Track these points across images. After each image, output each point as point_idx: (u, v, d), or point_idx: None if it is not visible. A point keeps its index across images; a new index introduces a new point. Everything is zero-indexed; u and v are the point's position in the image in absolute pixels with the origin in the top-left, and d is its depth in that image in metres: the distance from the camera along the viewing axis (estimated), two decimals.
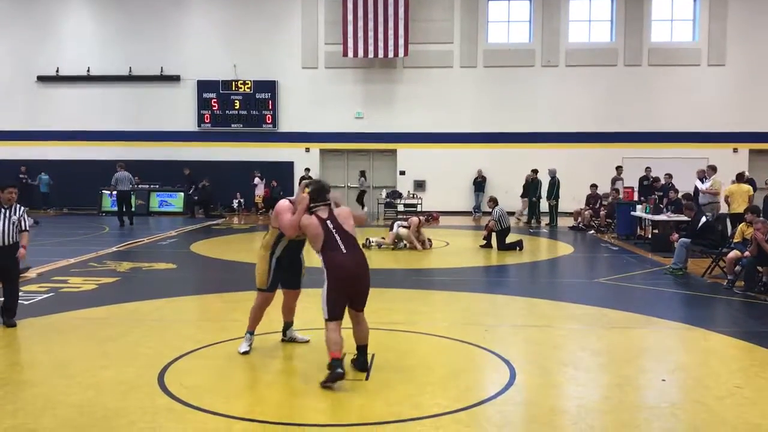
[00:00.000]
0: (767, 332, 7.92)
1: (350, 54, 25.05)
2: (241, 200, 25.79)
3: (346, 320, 5.94)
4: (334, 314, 5.80)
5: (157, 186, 25.51)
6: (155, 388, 5.72)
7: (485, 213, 22.41)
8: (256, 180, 25.16)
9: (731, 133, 24.95)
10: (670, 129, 24.99)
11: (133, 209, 21.46)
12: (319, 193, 6.09)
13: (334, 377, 5.58)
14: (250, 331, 6.79)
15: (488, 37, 25.85)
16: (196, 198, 24.54)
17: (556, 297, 9.89)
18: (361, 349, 6.09)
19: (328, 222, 5.96)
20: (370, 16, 24.83)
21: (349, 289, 5.84)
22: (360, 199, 24.46)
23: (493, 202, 15.96)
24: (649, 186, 20.56)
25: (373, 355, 6.54)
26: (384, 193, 24.58)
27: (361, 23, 24.84)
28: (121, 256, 14.01)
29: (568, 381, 6.09)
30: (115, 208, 22.69)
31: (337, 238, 5.89)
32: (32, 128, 26.54)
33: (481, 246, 15.62)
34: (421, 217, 16.07)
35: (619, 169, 22.35)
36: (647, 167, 21.70)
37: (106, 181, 23.99)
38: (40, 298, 9.47)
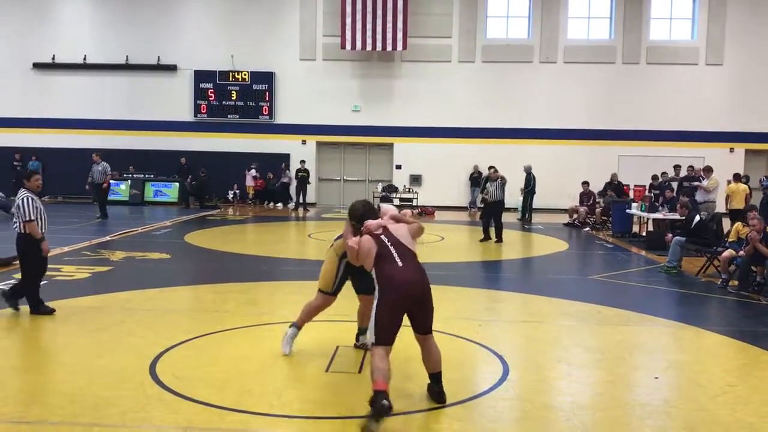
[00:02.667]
0: (760, 331, 7.93)
1: (348, 46, 24.96)
2: (237, 191, 25.74)
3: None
4: (384, 338, 4.94)
5: (152, 176, 25.41)
6: (147, 377, 5.70)
7: (480, 209, 22.45)
8: (246, 171, 25.22)
9: (728, 133, 24.98)
10: (667, 128, 24.99)
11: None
12: (358, 218, 5.61)
13: (378, 412, 4.61)
14: (297, 326, 6.40)
15: (487, 32, 25.79)
16: (193, 184, 24.42)
17: (551, 293, 9.87)
18: (435, 377, 5.29)
19: (383, 237, 5.32)
20: (369, 8, 24.75)
21: (406, 307, 5.07)
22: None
23: (502, 179, 16.30)
24: (691, 188, 16.80)
25: (366, 350, 6.52)
26: (380, 187, 24.55)
27: (359, 15, 24.75)
28: (115, 245, 13.95)
29: (561, 377, 6.09)
30: (111, 197, 22.65)
31: (392, 250, 5.20)
32: (27, 115, 26.40)
33: (481, 240, 15.73)
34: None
35: (675, 168, 19.27)
36: (690, 166, 18.69)
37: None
38: None
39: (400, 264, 5.12)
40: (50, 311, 7.76)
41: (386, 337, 4.96)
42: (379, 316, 4.96)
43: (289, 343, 6.36)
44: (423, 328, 5.23)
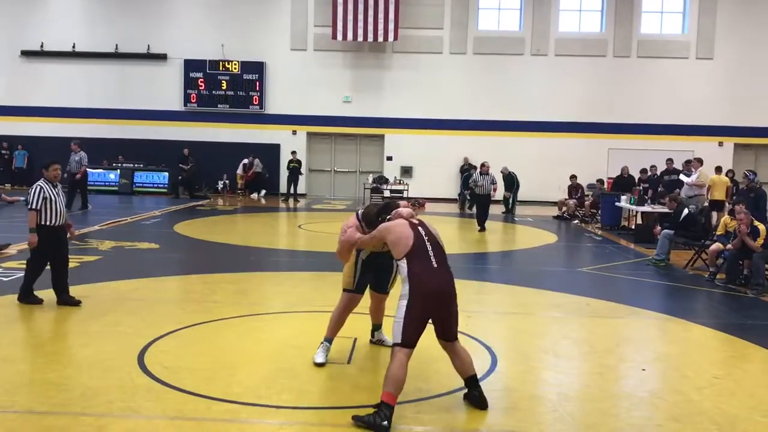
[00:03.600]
0: (747, 324, 8.00)
1: (339, 37, 24.87)
2: (227, 181, 25.66)
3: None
4: (408, 339, 4.71)
5: (142, 165, 25.29)
6: (135, 367, 5.68)
7: (467, 200, 22.50)
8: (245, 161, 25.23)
9: (717, 127, 25.08)
10: (656, 121, 25.07)
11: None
12: (373, 220, 5.40)
13: (375, 427, 4.48)
14: (328, 339, 5.97)
15: (479, 23, 25.76)
16: (180, 177, 24.31)
17: (539, 285, 9.91)
18: (471, 381, 5.03)
19: (420, 228, 5.03)
20: None
21: (434, 312, 4.83)
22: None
23: (487, 175, 16.96)
24: (673, 182, 17.34)
25: (355, 339, 6.54)
26: (370, 178, 24.53)
27: (351, 6, 24.64)
28: (104, 234, 13.88)
29: (549, 369, 6.11)
30: (100, 186, 22.57)
31: (429, 247, 4.92)
32: (15, 103, 26.14)
33: (479, 231, 16.26)
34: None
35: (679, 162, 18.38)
36: (669, 159, 18.93)
37: (89, 158, 23.93)
38: (20, 274, 9.33)
39: (435, 265, 4.86)
40: (38, 301, 7.74)
41: (413, 338, 4.73)
42: (409, 317, 4.70)
43: (322, 354, 5.93)
44: (448, 334, 4.97)
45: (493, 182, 17.04)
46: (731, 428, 4.83)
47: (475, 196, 17.44)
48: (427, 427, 4.71)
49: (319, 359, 5.88)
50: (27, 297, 7.74)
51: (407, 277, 4.81)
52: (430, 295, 4.75)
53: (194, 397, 5.06)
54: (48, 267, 7.85)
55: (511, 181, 21.51)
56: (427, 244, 4.94)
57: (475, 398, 4.99)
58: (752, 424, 4.92)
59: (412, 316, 4.71)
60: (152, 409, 4.85)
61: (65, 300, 7.77)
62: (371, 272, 5.98)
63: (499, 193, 20.21)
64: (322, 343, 6.00)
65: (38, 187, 7.72)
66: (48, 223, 7.72)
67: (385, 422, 4.47)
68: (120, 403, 4.92)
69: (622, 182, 19.81)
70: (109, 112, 26.04)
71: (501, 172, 21.46)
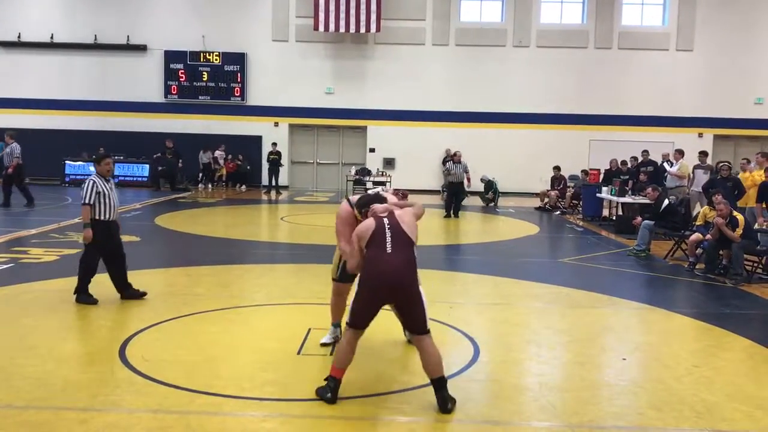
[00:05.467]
0: (726, 313, 8.09)
1: (321, 28, 24.75)
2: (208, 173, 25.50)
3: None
4: (356, 321, 4.91)
5: (122, 157, 25.04)
6: (116, 360, 5.66)
7: (442, 189, 22.59)
8: (216, 153, 25.07)
9: (697, 118, 25.28)
10: (637, 113, 25.22)
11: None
12: (364, 203, 5.46)
13: (321, 397, 4.91)
14: (335, 323, 6.19)
15: (461, 14, 25.74)
16: (160, 168, 24.10)
17: (521, 276, 9.96)
18: (436, 383, 4.83)
19: (385, 218, 5.10)
20: None
21: (387, 298, 4.91)
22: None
23: (459, 164, 17.68)
24: (655, 172, 17.13)
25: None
26: (353, 170, 24.50)
27: None
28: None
29: (531, 359, 6.16)
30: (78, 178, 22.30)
31: (387, 234, 4.95)
32: None
33: (444, 217, 16.75)
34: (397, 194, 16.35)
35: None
36: (644, 150, 18.59)
37: (69, 150, 23.77)
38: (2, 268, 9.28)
39: (388, 250, 4.89)
40: (94, 301, 7.53)
41: (359, 321, 4.91)
42: (357, 299, 4.92)
43: (329, 336, 6.21)
44: (412, 326, 4.99)
45: (466, 170, 17.59)
46: (710, 416, 4.89)
47: (448, 185, 18.00)
48: (410, 418, 4.73)
49: (324, 339, 6.19)
50: (83, 296, 7.57)
51: (364, 262, 5.03)
52: (376, 280, 4.84)
53: (176, 390, 5.04)
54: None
55: (490, 187, 21.68)
56: (387, 231, 5.00)
57: (441, 400, 4.79)
58: (731, 412, 4.99)
59: (360, 299, 4.91)
60: (134, 402, 4.82)
61: (130, 294, 7.72)
62: None
63: (483, 188, 20.42)
64: (330, 327, 6.25)
65: (92, 182, 7.57)
66: (101, 217, 7.60)
67: (329, 394, 4.85)
68: (102, 396, 4.90)
69: (611, 175, 19.84)
70: (89, 104, 25.76)
71: (480, 180, 21.78)
